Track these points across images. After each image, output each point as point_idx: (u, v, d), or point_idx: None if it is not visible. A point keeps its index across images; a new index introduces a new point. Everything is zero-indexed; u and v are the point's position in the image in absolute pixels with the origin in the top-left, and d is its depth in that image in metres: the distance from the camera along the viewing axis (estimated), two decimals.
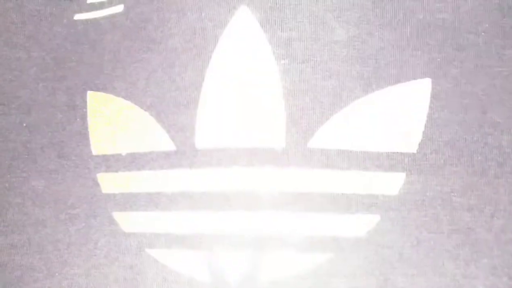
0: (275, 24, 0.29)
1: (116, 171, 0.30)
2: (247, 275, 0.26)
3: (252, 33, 0.30)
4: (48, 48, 0.33)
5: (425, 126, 0.28)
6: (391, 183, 0.28)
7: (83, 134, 0.31)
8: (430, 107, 0.28)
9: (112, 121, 0.31)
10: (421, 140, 0.28)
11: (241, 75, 0.29)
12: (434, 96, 0.29)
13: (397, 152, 0.28)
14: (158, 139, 0.29)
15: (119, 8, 0.33)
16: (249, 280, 0.26)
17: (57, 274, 0.29)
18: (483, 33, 0.30)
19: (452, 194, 0.27)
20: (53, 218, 0.30)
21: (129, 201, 0.29)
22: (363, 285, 0.26)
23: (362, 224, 0.27)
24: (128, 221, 0.29)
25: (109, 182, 0.30)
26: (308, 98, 0.28)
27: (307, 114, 0.28)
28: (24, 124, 0.32)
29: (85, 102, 0.32)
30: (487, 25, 0.30)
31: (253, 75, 0.29)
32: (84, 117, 0.32)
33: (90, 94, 0.32)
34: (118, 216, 0.29)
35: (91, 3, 0.34)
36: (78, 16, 0.34)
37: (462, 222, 0.27)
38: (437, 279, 0.26)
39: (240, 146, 0.28)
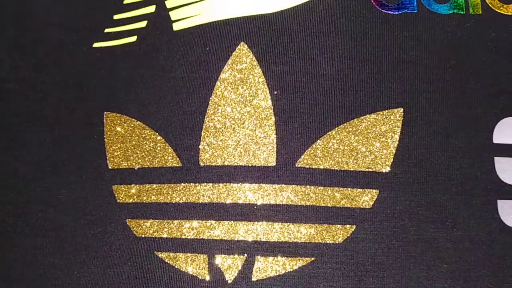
0: (269, 59, 0.34)
1: (130, 183, 0.34)
2: (241, 275, 0.31)
3: (249, 66, 0.34)
4: (69, 72, 0.37)
5: (397, 149, 0.33)
6: (366, 198, 0.32)
7: (100, 150, 0.35)
8: (402, 133, 0.33)
9: (126, 139, 0.35)
10: (393, 162, 0.33)
11: (239, 103, 0.34)
12: (406, 124, 0.33)
13: (372, 172, 0.32)
14: (167, 157, 0.34)
15: (132, 39, 0.38)
16: (243, 279, 0.31)
17: (75, 272, 0.33)
18: (449, 69, 0.34)
19: (419, 208, 0.32)
20: (73, 223, 0.34)
21: (141, 210, 0.33)
22: (340, 285, 0.30)
23: (340, 233, 0.31)
24: (139, 227, 0.33)
25: (123, 193, 0.34)
26: (297, 124, 0.33)
27: (295, 138, 0.33)
28: (48, 140, 0.36)
29: (101, 121, 0.36)
30: (453, 62, 0.34)
31: (250, 103, 0.34)
32: (101, 135, 0.36)
33: (106, 114, 0.36)
34: (130, 223, 0.33)
35: (107, 33, 0.39)
36: (96, 44, 0.38)
37: (426, 232, 0.31)
38: (404, 281, 0.31)
39: (237, 164, 0.33)
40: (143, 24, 0.38)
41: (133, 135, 0.35)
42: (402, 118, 0.33)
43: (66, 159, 0.35)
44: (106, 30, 0.38)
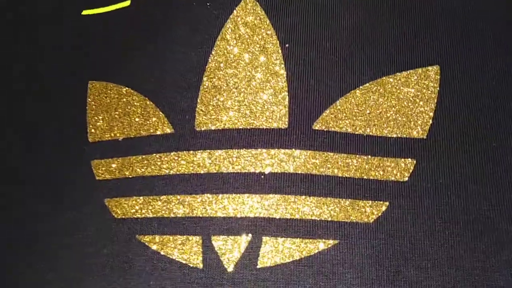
0: (279, 11, 0.29)
1: (112, 157, 0.28)
2: (244, 261, 0.24)
3: (256, 19, 0.29)
4: (58, 42, 0.33)
5: (435, 112, 0.27)
6: (400, 169, 0.26)
7: (81, 123, 0.30)
8: (440, 94, 0.27)
9: (111, 108, 0.30)
10: (431, 126, 0.27)
11: (244, 59, 0.29)
12: (444, 83, 0.27)
13: (406, 138, 0.26)
14: (156, 123, 0.28)
15: (126, 3, 0.34)
16: (247, 267, 0.24)
17: (47, 260, 0.27)
18: (490, 22, 0.29)
19: (466, 181, 0.25)
20: (47, 206, 0.28)
21: (123, 187, 0.27)
22: (371, 276, 0.24)
23: (370, 210, 0.25)
24: (120, 207, 0.27)
25: (104, 169, 0.28)
26: (313, 80, 0.27)
27: (311, 96, 0.27)
28: (25, 113, 0.31)
29: (85, 91, 0.31)
30: (492, 14, 0.29)
31: (256, 58, 0.28)
32: (83, 106, 0.31)
33: (91, 84, 0.31)
34: (110, 202, 0.27)
35: None
36: (86, 12, 0.34)
37: (478, 211, 0.25)
38: (453, 273, 0.24)
39: (241, 127, 0.27)
40: None
41: (120, 103, 0.30)
42: (439, 77, 0.27)
43: (42, 134, 0.30)
44: None
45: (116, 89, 0.30)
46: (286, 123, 0.27)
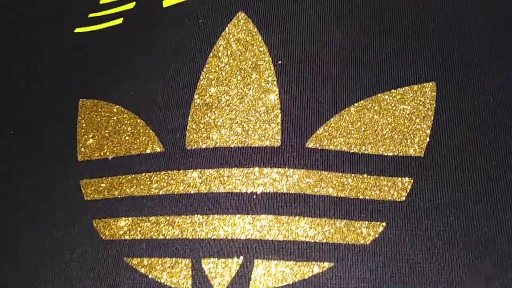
0: (271, 27, 0.29)
1: (100, 176, 0.28)
2: (235, 285, 0.23)
3: (248, 36, 0.29)
4: (48, 60, 0.33)
5: (432, 130, 0.26)
6: (397, 188, 0.25)
7: (71, 141, 0.30)
8: (437, 110, 0.27)
9: (101, 127, 0.29)
10: (428, 144, 0.26)
11: (236, 76, 0.28)
12: (440, 99, 0.27)
13: (403, 156, 0.26)
14: (146, 142, 0.28)
15: (118, 21, 0.34)
16: None
17: (29, 286, 0.26)
18: (486, 36, 0.29)
19: (466, 200, 0.24)
20: (32, 228, 0.27)
21: (112, 207, 0.26)
22: None
23: (366, 231, 0.24)
24: (108, 228, 0.26)
25: (92, 188, 0.28)
26: (306, 98, 0.27)
27: (304, 114, 0.26)
28: (16, 130, 0.31)
29: (76, 109, 0.31)
30: (490, 28, 0.29)
31: (248, 75, 0.28)
32: (73, 124, 0.30)
33: (81, 102, 0.31)
34: (98, 224, 0.26)
35: (92, 18, 0.35)
36: (79, 30, 0.34)
37: (478, 231, 0.24)
38: None
39: (232, 146, 0.26)
40: (131, 5, 0.34)
41: (110, 121, 0.29)
42: (435, 94, 0.27)
43: (31, 150, 0.29)
44: (90, 15, 0.34)
45: (107, 107, 0.30)
46: (279, 141, 0.26)
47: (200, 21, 0.30)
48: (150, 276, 0.24)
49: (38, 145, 0.30)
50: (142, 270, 0.24)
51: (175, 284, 0.24)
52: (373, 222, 0.24)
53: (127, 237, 0.25)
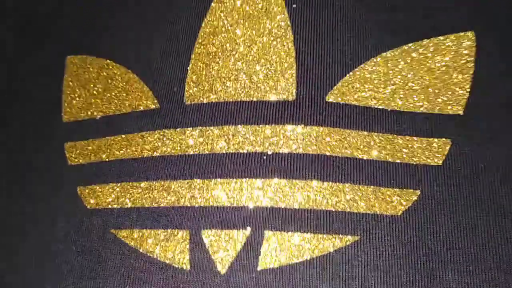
0: None
1: (87, 138, 0.24)
2: (241, 262, 0.19)
3: None
4: (32, 14, 0.29)
5: (472, 85, 0.22)
6: (433, 151, 0.21)
7: (56, 101, 0.26)
8: (477, 63, 0.23)
9: (89, 84, 0.26)
10: (468, 101, 0.22)
11: (244, 21, 0.24)
12: (481, 51, 0.23)
13: (439, 114, 0.22)
14: (139, 98, 0.24)
15: None
16: (244, 269, 0.19)
17: (5, 264, 0.22)
18: None
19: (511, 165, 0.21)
20: (12, 196, 0.24)
21: (98, 172, 0.23)
22: (401, 280, 0.19)
23: (397, 200, 0.20)
24: (94, 196, 0.22)
25: (77, 152, 0.24)
26: (326, 45, 0.23)
27: (324, 64, 0.22)
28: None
29: (63, 67, 0.27)
30: None
31: (258, 21, 0.24)
32: (59, 83, 0.27)
33: (69, 59, 0.27)
34: (82, 191, 0.23)
35: None
36: None
37: None
38: (503, 277, 0.19)
39: (239, 100, 0.22)
40: None
41: (99, 77, 0.26)
42: (475, 44, 0.23)
43: (14, 113, 0.26)
44: None
45: (97, 63, 0.26)
46: (294, 94, 0.22)
47: None
48: (140, 250, 0.20)
49: (20, 106, 0.27)
50: (132, 243, 0.20)
51: (170, 259, 0.20)
52: (405, 190, 0.20)
53: (115, 205, 0.22)
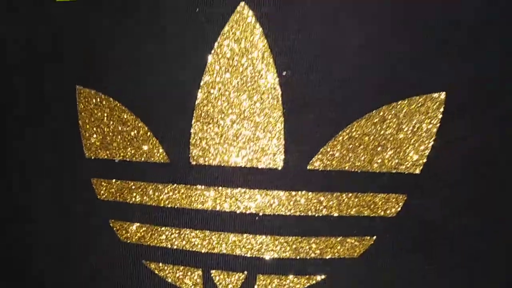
0: (278, 25, 0.26)
1: (111, 178, 0.29)
2: None
3: (251, 36, 0.26)
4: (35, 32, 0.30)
5: (435, 145, 0.26)
6: (391, 204, 0.27)
7: (74, 133, 0.30)
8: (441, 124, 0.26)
9: (103, 124, 0.29)
10: (426, 162, 0.26)
11: (237, 85, 0.27)
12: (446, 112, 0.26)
13: (399, 173, 0.27)
14: (151, 150, 0.28)
15: None
16: None
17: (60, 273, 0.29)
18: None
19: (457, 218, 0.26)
20: (49, 220, 0.30)
21: (125, 211, 0.28)
22: None
23: (357, 245, 0.27)
24: (124, 230, 0.28)
25: (104, 189, 0.29)
26: (312, 114, 0.26)
27: (309, 132, 0.26)
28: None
29: (74, 97, 0.30)
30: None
31: (252, 88, 0.27)
32: (74, 115, 0.30)
33: (79, 90, 0.29)
34: (114, 224, 0.29)
35: None
36: None
37: (475, 249, 0.26)
38: None
39: (236, 164, 0.27)
40: None
41: (112, 119, 0.29)
42: (443, 105, 0.26)
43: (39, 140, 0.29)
44: None
45: (107, 102, 0.29)
46: (281, 162, 0.26)
47: (197, 9, 0.27)
48: (168, 280, 0.28)
49: (43, 132, 0.30)
50: (160, 274, 0.28)
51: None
52: (364, 237, 0.27)
53: (142, 241, 0.28)
